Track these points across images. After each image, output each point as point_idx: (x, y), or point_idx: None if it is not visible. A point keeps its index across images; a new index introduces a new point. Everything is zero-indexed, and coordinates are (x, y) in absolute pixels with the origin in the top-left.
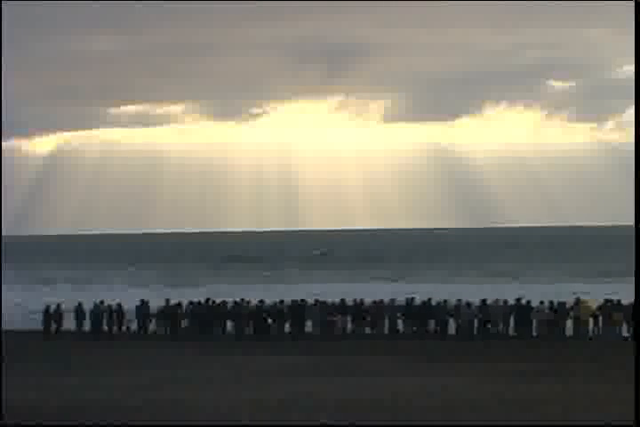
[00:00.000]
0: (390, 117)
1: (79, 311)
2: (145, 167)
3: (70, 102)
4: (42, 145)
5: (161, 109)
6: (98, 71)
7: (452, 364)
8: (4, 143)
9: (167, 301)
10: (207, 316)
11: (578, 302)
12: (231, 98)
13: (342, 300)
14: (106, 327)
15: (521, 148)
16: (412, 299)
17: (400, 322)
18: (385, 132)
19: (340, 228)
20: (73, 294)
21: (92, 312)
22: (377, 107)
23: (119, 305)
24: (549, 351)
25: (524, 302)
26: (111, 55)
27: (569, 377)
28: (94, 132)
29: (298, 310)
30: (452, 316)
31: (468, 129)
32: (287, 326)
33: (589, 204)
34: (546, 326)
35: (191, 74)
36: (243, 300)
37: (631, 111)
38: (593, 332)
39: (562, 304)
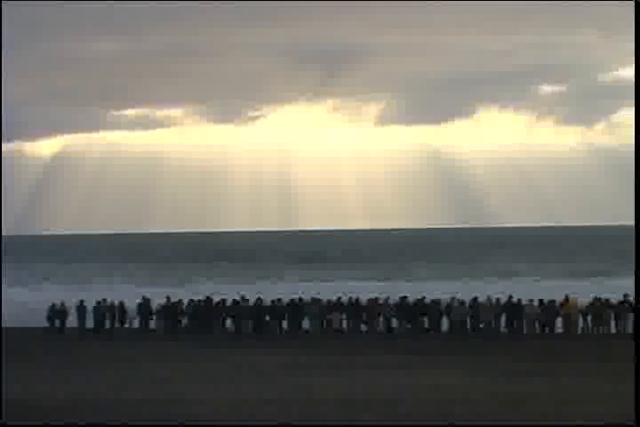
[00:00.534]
0: (385, 120)
1: (81, 309)
2: (145, 168)
3: (72, 105)
4: (45, 147)
5: (161, 112)
6: (99, 75)
7: (445, 361)
8: (8, 145)
9: (168, 298)
10: (207, 314)
11: (567, 300)
12: (230, 100)
13: (338, 298)
14: (108, 325)
15: (512, 149)
16: (406, 297)
17: (394, 320)
18: (380, 134)
19: (335, 227)
20: (75, 293)
21: (94, 310)
22: (372, 109)
23: (121, 303)
24: (540, 348)
25: (514, 300)
26: (112, 59)
27: (559, 374)
28: (96, 134)
29: (296, 308)
30: (444, 314)
31: (461, 131)
32: (285, 324)
33: (580, 204)
34: (536, 324)
35: (191, 77)
36: (242, 298)
37: (620, 113)
38: (582, 330)
39: (552, 302)
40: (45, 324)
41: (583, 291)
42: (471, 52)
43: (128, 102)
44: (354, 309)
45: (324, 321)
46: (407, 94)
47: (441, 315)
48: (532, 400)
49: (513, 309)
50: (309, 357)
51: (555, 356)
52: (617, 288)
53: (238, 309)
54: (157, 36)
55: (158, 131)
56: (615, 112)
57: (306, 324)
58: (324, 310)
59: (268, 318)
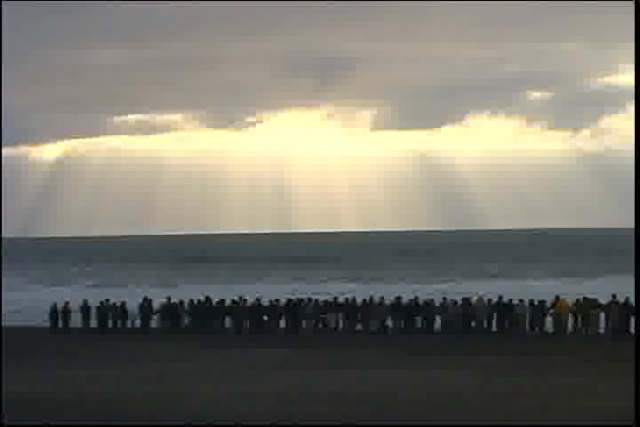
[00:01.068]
0: (377, 126)
1: (85, 309)
2: (146, 172)
3: (76, 111)
4: (49, 151)
5: (161, 118)
6: (103, 82)
7: (438, 358)
8: (13, 149)
9: (169, 298)
10: (207, 313)
11: (557, 300)
12: (228, 107)
13: (335, 298)
14: (111, 324)
15: (500, 154)
16: (400, 298)
17: (389, 319)
18: (372, 140)
19: (328, 230)
20: (78, 294)
21: (97, 310)
22: (364, 116)
23: (123, 303)
24: (529, 347)
25: (505, 300)
26: (114, 67)
27: (548, 371)
28: (99, 139)
29: (293, 307)
30: (437, 313)
31: (451, 136)
32: (282, 323)
33: (565, 207)
34: (526, 323)
35: (190, 85)
36: (240, 298)
37: (605, 119)
38: (573, 328)
39: (542, 302)
40: (49, 324)
41: (572, 291)
42: (461, 61)
43: (129, 108)
44: (349, 309)
45: (320, 321)
46: (398, 101)
47: (434, 315)
48: (521, 395)
49: (504, 309)
50: (305, 354)
51: (544, 353)
52: (604, 288)
53: (237, 309)
54: (158, 46)
55: (158, 136)
56: (600, 118)
57: (303, 323)
58: (319, 309)
59: (266, 317)
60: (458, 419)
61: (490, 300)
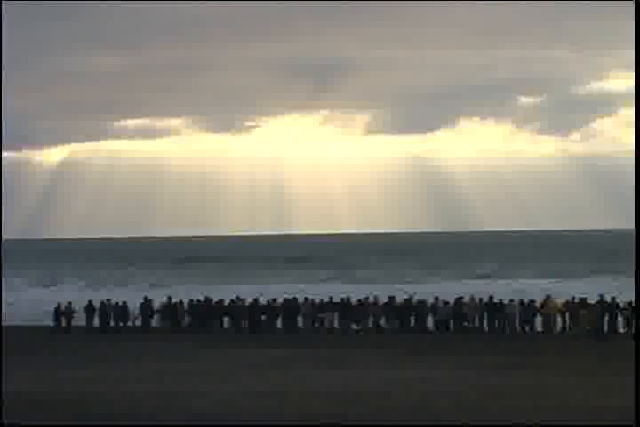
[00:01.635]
0: (372, 130)
1: (89, 309)
2: (146, 175)
3: (78, 116)
4: (51, 156)
5: (162, 123)
6: (104, 87)
7: (431, 357)
8: (16, 154)
9: (169, 298)
10: (206, 313)
11: (547, 299)
12: (227, 112)
13: (331, 298)
14: (112, 324)
15: (493, 157)
16: (394, 297)
17: (383, 318)
18: (367, 144)
19: (325, 231)
20: (79, 294)
21: (99, 310)
22: (360, 120)
23: (124, 303)
24: (521, 346)
25: (496, 300)
26: (114, 73)
27: (539, 370)
28: (99, 143)
29: (290, 307)
30: (430, 313)
31: (444, 140)
32: (279, 322)
33: (555, 209)
34: (517, 323)
35: (190, 89)
36: (238, 298)
37: (593, 124)
38: (564, 328)
39: (532, 302)
40: (53, 324)
41: (561, 291)
42: (453, 67)
43: (130, 113)
44: (345, 308)
45: (317, 320)
46: (393, 106)
47: (427, 314)
48: (513, 394)
49: (494, 308)
50: (302, 353)
51: (534, 352)
52: (593, 288)
53: (236, 308)
54: (158, 51)
55: (159, 140)
56: (588, 123)
57: (299, 322)
58: (316, 309)
59: (263, 317)
60: (451, 418)
61: (481, 299)
